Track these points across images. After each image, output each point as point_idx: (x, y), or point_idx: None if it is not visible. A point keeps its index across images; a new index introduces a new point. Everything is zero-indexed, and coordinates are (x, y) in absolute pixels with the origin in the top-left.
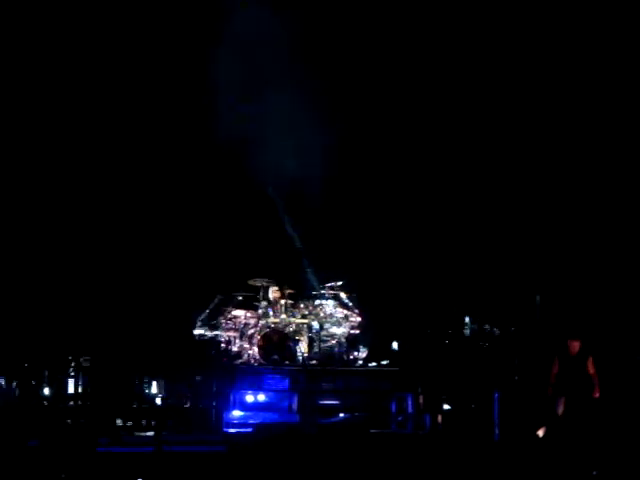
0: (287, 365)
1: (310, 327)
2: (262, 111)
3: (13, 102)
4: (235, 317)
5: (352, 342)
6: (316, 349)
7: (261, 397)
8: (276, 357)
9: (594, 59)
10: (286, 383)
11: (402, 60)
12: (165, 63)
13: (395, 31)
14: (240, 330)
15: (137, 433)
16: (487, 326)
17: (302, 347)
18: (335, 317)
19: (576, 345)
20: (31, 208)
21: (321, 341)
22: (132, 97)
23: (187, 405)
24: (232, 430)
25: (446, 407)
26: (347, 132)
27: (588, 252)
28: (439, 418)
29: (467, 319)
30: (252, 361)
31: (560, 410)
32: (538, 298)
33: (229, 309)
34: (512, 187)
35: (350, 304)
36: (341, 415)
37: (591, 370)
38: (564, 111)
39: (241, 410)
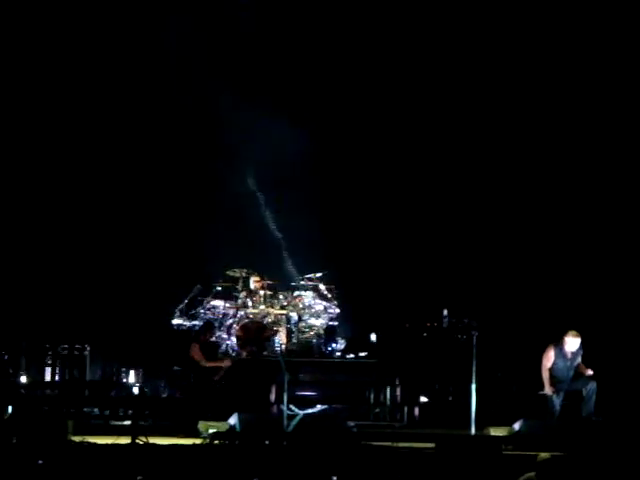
0: (265, 356)
1: (289, 318)
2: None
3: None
4: (214, 307)
5: (330, 334)
6: (294, 340)
7: None
8: (254, 348)
9: (594, 59)
10: None
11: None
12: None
13: (394, 30)
14: (218, 320)
15: (114, 422)
16: (465, 319)
17: (280, 338)
18: (314, 309)
19: (577, 342)
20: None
21: (299, 332)
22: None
23: (164, 395)
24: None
25: (423, 399)
26: (326, 125)
27: (574, 246)
28: (416, 410)
29: (445, 312)
30: (230, 351)
31: (558, 407)
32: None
33: (208, 299)
34: (493, 181)
35: (329, 296)
36: (319, 406)
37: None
38: (561, 110)
39: None
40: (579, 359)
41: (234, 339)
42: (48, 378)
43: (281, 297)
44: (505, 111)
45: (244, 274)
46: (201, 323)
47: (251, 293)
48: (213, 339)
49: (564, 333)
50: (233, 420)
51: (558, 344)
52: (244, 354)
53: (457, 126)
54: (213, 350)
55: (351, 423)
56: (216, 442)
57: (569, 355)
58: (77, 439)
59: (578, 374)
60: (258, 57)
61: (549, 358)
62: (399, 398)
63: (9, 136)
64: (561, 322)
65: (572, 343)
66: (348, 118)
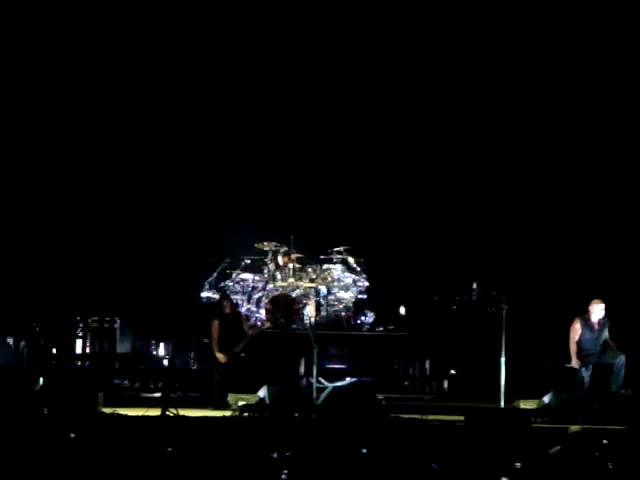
0: (294, 329)
1: (317, 291)
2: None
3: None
4: (243, 280)
5: (359, 307)
6: (323, 313)
7: None
8: (283, 321)
9: (594, 59)
10: None
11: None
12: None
13: (396, 30)
14: (248, 293)
15: (144, 394)
16: (495, 292)
17: (309, 311)
18: (343, 282)
19: (601, 308)
20: (43, 169)
21: (328, 306)
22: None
23: (194, 368)
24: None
25: (452, 372)
26: (351, 94)
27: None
28: (445, 383)
29: (474, 285)
30: (259, 324)
31: (587, 380)
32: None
33: (237, 272)
34: (521, 151)
35: (358, 269)
36: (348, 379)
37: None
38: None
39: None
40: (606, 332)
41: (263, 312)
42: (79, 350)
43: (310, 270)
44: (522, 89)
45: (273, 247)
46: (231, 296)
47: (280, 266)
48: (242, 310)
49: (588, 304)
50: (262, 393)
51: (584, 316)
52: (266, 325)
53: (487, 100)
54: (236, 321)
55: (380, 396)
56: (245, 414)
57: (596, 326)
58: (107, 411)
59: (607, 348)
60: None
61: (576, 330)
62: (428, 371)
63: (40, 121)
64: (589, 295)
65: (597, 311)
66: (376, 89)
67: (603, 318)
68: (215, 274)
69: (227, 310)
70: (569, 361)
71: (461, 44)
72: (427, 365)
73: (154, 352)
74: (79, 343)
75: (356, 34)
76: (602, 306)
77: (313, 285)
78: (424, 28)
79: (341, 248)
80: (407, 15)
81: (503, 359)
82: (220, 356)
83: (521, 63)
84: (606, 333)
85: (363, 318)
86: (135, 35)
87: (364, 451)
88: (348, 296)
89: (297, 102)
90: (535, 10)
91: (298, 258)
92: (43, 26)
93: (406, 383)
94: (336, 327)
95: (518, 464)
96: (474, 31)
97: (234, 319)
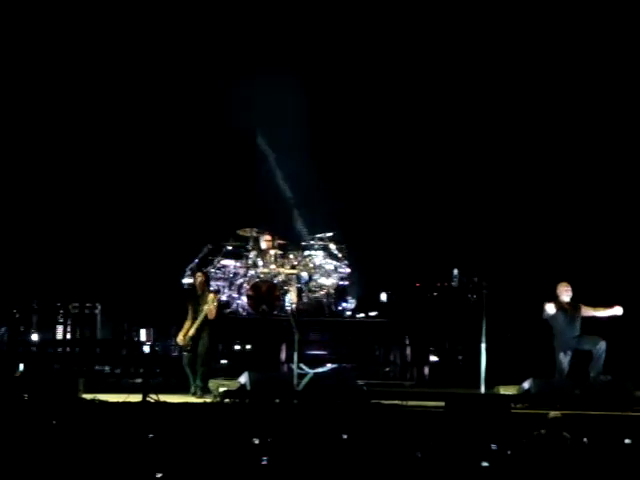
0: (275, 315)
1: (299, 278)
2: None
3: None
4: (224, 267)
5: (341, 293)
6: (305, 300)
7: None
8: (265, 307)
9: (594, 59)
10: None
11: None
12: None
13: (396, 29)
14: (229, 280)
15: (125, 380)
16: (475, 279)
17: (291, 298)
18: (324, 268)
19: (569, 288)
20: (24, 158)
21: (310, 292)
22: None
23: (175, 354)
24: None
25: (433, 359)
26: (336, 86)
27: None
28: (426, 369)
29: (455, 271)
30: (241, 311)
31: (566, 366)
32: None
33: (218, 258)
34: (502, 139)
35: (339, 255)
36: (329, 365)
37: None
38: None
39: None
40: (580, 314)
41: (245, 298)
42: (59, 336)
43: (291, 256)
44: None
45: (254, 233)
46: (212, 282)
47: (261, 252)
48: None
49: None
50: (243, 379)
51: (555, 300)
52: (211, 312)
53: (469, 83)
54: (194, 295)
55: (361, 382)
56: (226, 400)
57: (568, 307)
58: (88, 397)
59: (586, 335)
60: (258, 19)
61: (551, 308)
62: (409, 357)
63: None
64: (569, 281)
65: (563, 293)
66: (359, 77)
67: (573, 300)
68: (196, 260)
69: (198, 291)
70: (549, 348)
71: (460, 42)
72: (408, 351)
73: (135, 338)
74: (60, 329)
75: (352, 30)
76: (569, 287)
77: (294, 271)
78: (424, 27)
79: (322, 235)
80: (407, 14)
81: (483, 345)
82: (179, 339)
83: (518, 61)
84: (580, 314)
85: (344, 304)
86: (134, 35)
87: (345, 437)
88: (329, 282)
89: (280, 89)
90: (535, 10)
91: (280, 244)
92: (43, 26)
93: (387, 369)
94: (317, 313)
95: (494, 445)
96: (474, 31)
97: (202, 300)
